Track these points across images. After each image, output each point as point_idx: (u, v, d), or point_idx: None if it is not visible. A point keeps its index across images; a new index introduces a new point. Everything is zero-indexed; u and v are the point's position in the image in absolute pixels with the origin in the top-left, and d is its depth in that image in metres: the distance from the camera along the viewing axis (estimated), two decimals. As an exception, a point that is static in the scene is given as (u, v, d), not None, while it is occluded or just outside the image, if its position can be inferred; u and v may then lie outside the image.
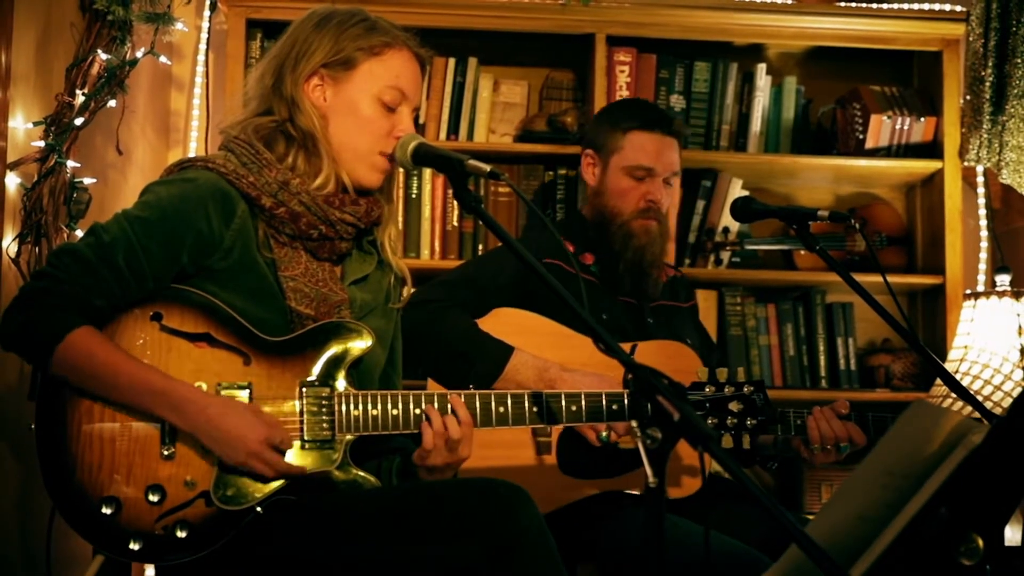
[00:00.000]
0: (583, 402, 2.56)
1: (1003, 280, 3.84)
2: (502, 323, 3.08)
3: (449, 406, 2.41)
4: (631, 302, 3.32)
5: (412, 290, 2.76)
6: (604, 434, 2.88)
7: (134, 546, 2.22)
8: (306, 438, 2.33)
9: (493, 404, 2.46)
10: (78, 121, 3.27)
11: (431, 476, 2.42)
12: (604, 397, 2.58)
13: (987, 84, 4.04)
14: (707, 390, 2.77)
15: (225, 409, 2.25)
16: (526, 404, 2.49)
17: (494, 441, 2.92)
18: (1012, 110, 4.00)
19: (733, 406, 2.75)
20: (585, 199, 3.54)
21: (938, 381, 3.80)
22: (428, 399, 2.41)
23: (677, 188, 3.45)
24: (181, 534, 2.23)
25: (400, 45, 2.50)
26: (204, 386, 2.29)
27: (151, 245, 2.29)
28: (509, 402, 2.47)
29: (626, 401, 2.60)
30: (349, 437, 2.36)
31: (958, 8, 4.21)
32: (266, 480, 2.27)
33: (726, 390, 2.76)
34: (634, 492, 3.04)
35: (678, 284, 3.52)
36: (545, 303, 3.12)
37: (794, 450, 3.07)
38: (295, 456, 2.32)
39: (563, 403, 2.54)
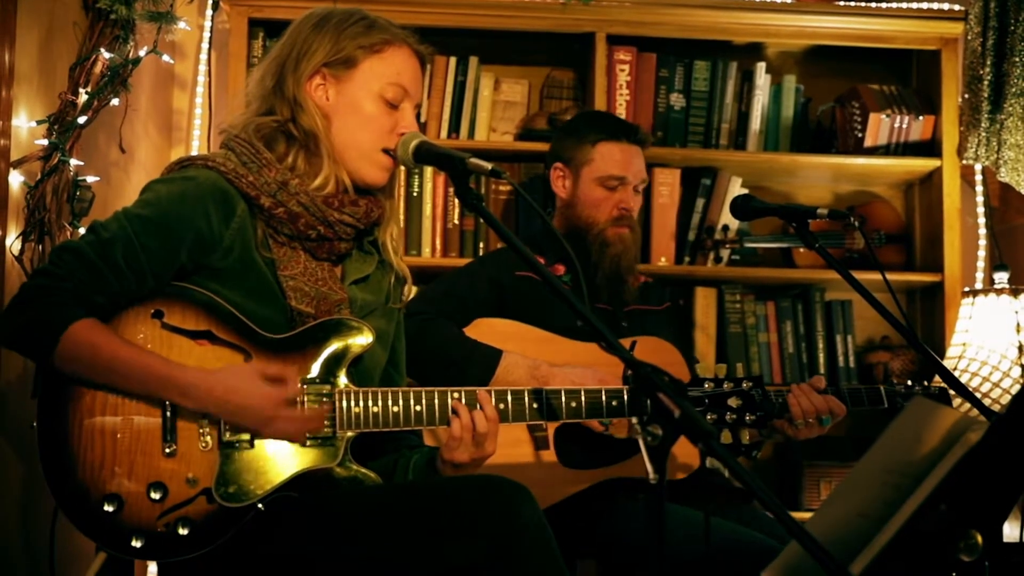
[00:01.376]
0: (583, 398, 2.57)
1: (1001, 278, 3.86)
2: (485, 332, 3.11)
3: (477, 403, 2.43)
4: (606, 308, 3.35)
5: (414, 289, 2.77)
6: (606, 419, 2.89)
7: (136, 543, 2.23)
8: (307, 435, 2.34)
9: (493, 401, 2.47)
10: (81, 120, 3.27)
11: (456, 472, 2.44)
12: (604, 393, 2.59)
13: (985, 83, 4.05)
14: (706, 386, 2.78)
15: (229, 384, 2.26)
16: (526, 401, 2.50)
17: None
18: (1010, 108, 4.01)
19: (732, 402, 2.76)
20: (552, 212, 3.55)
21: (937, 378, 3.81)
22: (457, 395, 2.43)
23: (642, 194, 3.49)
24: (183, 531, 2.25)
25: (400, 42, 2.51)
26: None
27: (150, 242, 2.30)
28: (509, 399, 2.48)
29: (626, 397, 2.61)
30: (350, 434, 2.37)
31: (956, 7, 4.22)
32: (295, 438, 2.31)
33: (725, 386, 2.77)
34: (632, 477, 3.06)
35: (650, 289, 3.55)
36: (522, 312, 3.18)
37: (779, 431, 3.10)
38: (297, 454, 2.33)
39: (563, 399, 2.55)
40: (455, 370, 2.99)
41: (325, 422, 2.35)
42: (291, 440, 2.31)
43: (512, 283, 3.23)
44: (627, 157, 3.38)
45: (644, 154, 3.45)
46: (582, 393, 2.57)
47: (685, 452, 3.12)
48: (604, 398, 2.59)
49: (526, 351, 3.04)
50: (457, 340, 3.07)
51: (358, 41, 2.47)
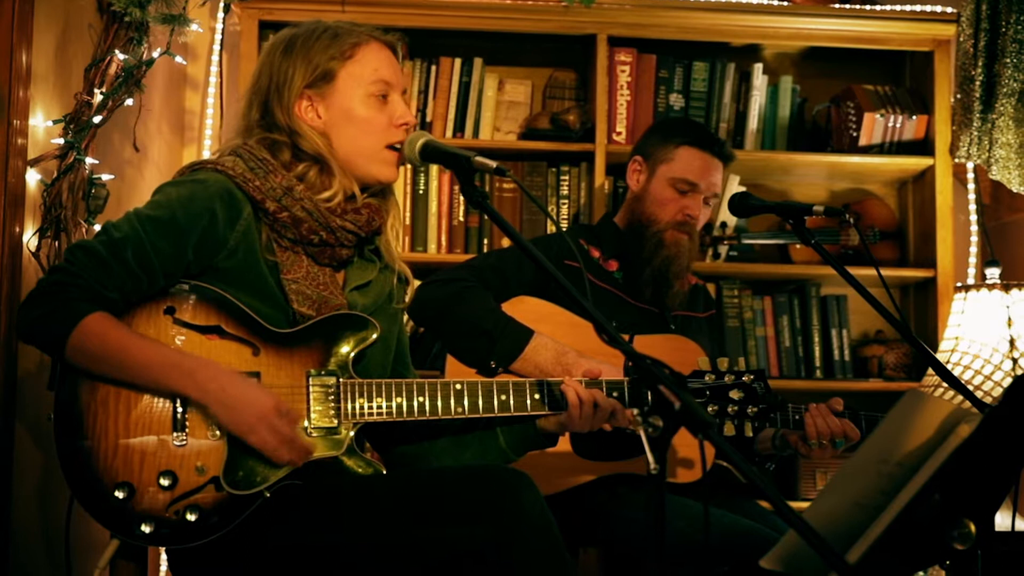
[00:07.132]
0: None
1: (992, 273, 3.87)
2: (522, 310, 3.13)
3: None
4: (653, 310, 3.37)
5: (418, 283, 2.80)
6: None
7: (146, 529, 2.28)
8: (313, 426, 2.40)
9: (495, 392, 2.52)
10: (96, 119, 3.30)
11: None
12: (604, 385, 2.62)
13: (977, 83, 4.09)
14: (707, 379, 2.78)
15: (235, 378, 2.31)
16: (527, 391, 2.54)
17: None
18: (1001, 108, 4.04)
19: (733, 394, 2.75)
20: (606, 205, 3.55)
21: (930, 371, 3.81)
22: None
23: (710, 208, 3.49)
24: (192, 518, 2.30)
25: (367, 39, 2.54)
26: None
27: (160, 242, 2.36)
28: (511, 390, 2.52)
29: (626, 389, 2.63)
30: (355, 425, 2.43)
31: (949, 9, 4.25)
32: (274, 451, 2.30)
33: (726, 379, 2.77)
34: (634, 472, 3.09)
35: (698, 293, 3.56)
36: (563, 301, 3.18)
37: (792, 447, 3.12)
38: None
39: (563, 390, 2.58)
40: (485, 340, 3.01)
41: (330, 414, 2.41)
42: (266, 453, 2.31)
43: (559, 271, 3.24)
44: (705, 166, 3.38)
45: (723, 170, 3.44)
46: (582, 385, 2.59)
47: (686, 462, 3.16)
48: (604, 390, 2.62)
49: (557, 334, 3.04)
50: (491, 312, 3.07)
51: (329, 53, 2.51)
